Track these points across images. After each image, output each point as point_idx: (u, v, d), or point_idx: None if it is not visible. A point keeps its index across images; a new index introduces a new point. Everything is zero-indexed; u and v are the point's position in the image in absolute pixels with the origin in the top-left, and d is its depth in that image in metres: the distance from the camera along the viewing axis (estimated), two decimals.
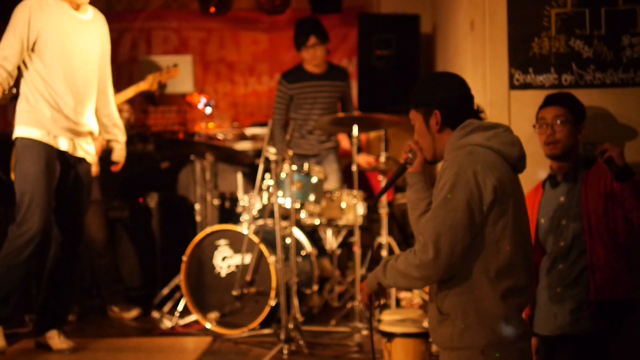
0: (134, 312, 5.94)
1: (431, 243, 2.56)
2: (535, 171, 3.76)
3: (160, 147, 7.07)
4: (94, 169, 5.85)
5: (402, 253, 2.69)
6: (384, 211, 5.77)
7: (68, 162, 4.70)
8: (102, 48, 4.89)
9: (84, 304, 6.15)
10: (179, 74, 5.92)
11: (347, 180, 6.23)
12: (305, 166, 5.59)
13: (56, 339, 4.81)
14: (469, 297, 2.63)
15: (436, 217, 2.59)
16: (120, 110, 5.89)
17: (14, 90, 5.92)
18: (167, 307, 5.90)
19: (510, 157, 2.71)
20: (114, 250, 6.35)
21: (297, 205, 5.53)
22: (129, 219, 6.57)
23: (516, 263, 2.65)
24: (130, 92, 5.71)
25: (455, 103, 2.79)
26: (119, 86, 6.13)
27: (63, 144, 4.63)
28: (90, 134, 4.82)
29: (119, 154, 5.15)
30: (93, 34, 4.81)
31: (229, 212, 6.36)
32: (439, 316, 2.70)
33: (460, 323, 2.64)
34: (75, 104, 4.65)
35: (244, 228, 5.40)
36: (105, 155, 5.94)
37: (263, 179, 5.49)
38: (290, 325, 4.92)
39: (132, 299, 6.17)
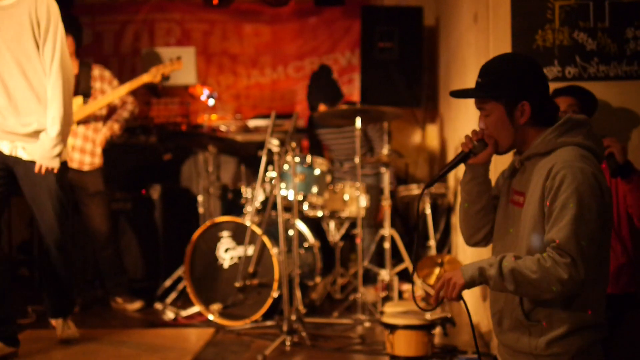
0: (137, 304, 5.96)
1: (581, 260, 2.40)
2: None
3: (162, 139, 7.07)
4: (97, 161, 5.86)
5: (525, 259, 2.48)
6: (386, 203, 5.78)
7: (15, 165, 4.55)
8: (38, 29, 4.36)
9: (87, 296, 6.16)
10: (182, 66, 5.91)
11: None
12: (308, 158, 5.60)
13: (60, 328, 4.83)
14: (567, 305, 2.53)
15: (577, 232, 2.41)
16: (124, 102, 5.90)
17: None
18: (169, 299, 5.91)
19: (601, 156, 2.61)
20: (117, 241, 6.37)
21: (300, 197, 5.54)
22: (131, 210, 6.58)
23: (607, 267, 2.59)
24: (133, 84, 5.71)
25: (544, 95, 2.64)
26: (122, 78, 6.14)
27: (5, 148, 4.52)
28: (37, 133, 4.46)
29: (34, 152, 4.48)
30: (16, 19, 4.35)
31: (231, 204, 6.37)
32: (525, 322, 2.57)
33: (553, 331, 2.53)
34: (6, 104, 4.42)
35: (247, 220, 5.40)
36: (108, 147, 5.96)
37: (266, 170, 5.50)
38: (293, 317, 4.93)
39: (134, 290, 6.19)
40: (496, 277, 2.49)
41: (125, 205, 6.58)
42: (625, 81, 4.15)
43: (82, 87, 5.81)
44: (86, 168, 5.82)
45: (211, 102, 7.06)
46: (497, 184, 2.82)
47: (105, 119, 5.94)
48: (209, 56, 8.20)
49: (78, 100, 5.75)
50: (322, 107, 6.24)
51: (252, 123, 7.29)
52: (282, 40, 8.21)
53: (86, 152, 5.81)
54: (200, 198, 6.31)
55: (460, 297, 2.57)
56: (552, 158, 2.53)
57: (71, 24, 5.94)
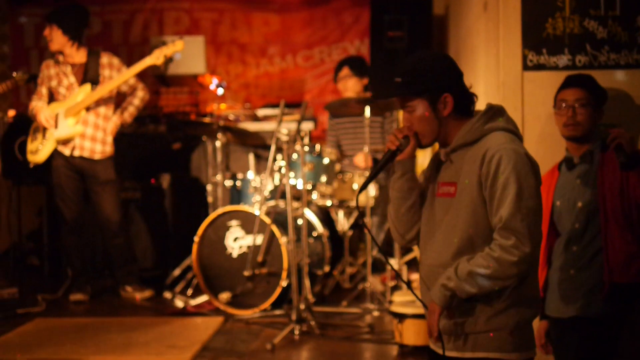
0: (147, 293, 5.97)
1: (527, 236, 2.47)
2: (550, 153, 3.73)
3: (172, 128, 7.07)
4: (109, 149, 5.87)
5: (476, 258, 2.52)
6: None
7: None
8: None
9: (96, 284, 6.18)
10: (183, 45, 5.85)
11: None
12: (317, 147, 5.59)
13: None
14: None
15: (520, 209, 2.48)
16: (133, 89, 5.89)
17: (23, 75, 5.93)
18: (179, 288, 5.92)
19: (521, 139, 2.70)
20: (127, 230, 6.39)
21: (309, 187, 5.53)
22: (141, 199, 6.59)
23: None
24: (137, 67, 5.69)
25: (463, 86, 2.72)
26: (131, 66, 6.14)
27: None
28: None
29: None
30: None
31: (240, 193, 6.37)
32: (464, 304, 2.58)
33: (491, 308, 2.57)
34: None
35: (256, 209, 5.40)
36: (118, 136, 5.96)
37: (275, 160, 5.49)
38: (302, 306, 4.94)
39: (144, 279, 6.21)
40: (457, 287, 2.53)
41: (135, 194, 6.59)
42: (636, 69, 4.12)
43: (90, 75, 5.81)
44: (97, 157, 5.83)
45: (220, 91, 7.05)
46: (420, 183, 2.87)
47: (116, 107, 5.94)
48: (218, 45, 8.19)
49: (86, 87, 5.76)
50: (344, 71, 6.22)
51: (261, 112, 7.28)
52: (291, 30, 8.19)
53: (97, 140, 5.81)
54: (209, 187, 6.32)
55: (439, 337, 2.62)
56: (482, 144, 2.60)
57: (76, 12, 5.92)
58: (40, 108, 5.77)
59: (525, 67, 4.21)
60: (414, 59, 2.77)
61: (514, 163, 2.51)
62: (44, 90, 5.88)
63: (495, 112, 2.68)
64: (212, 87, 7.13)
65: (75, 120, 5.74)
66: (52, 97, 5.91)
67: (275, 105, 6.99)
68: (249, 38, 8.23)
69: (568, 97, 3.54)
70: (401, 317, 4.29)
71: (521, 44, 4.20)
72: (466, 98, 2.72)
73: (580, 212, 3.45)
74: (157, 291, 6.04)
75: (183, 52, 7.14)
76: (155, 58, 5.71)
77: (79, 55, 5.87)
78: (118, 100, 5.97)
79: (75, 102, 5.74)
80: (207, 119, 6.63)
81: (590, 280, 3.42)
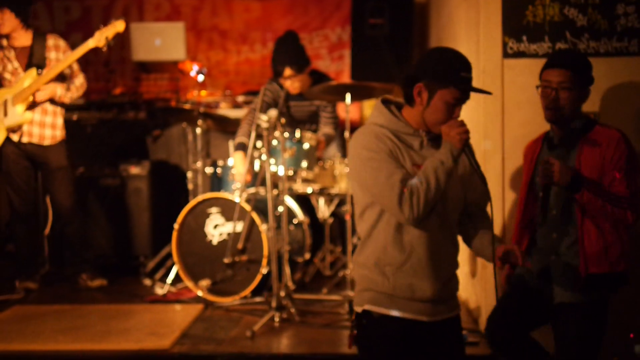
0: (99, 282, 5.86)
1: None
2: (530, 140, 3.73)
3: (152, 115, 7.03)
4: (59, 134, 5.77)
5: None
6: None
7: None
8: None
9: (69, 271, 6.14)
10: (124, 26, 5.69)
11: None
12: (297, 133, 5.56)
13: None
14: None
15: None
16: (75, 75, 5.77)
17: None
18: (158, 275, 5.90)
19: None
20: (106, 218, 6.35)
21: (290, 173, 5.52)
22: (120, 186, 6.55)
23: None
24: (80, 50, 5.53)
25: None
26: (110, 54, 6.07)
27: None
28: None
29: None
30: None
31: (220, 180, 6.35)
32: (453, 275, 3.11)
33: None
34: None
35: (236, 196, 5.39)
36: (98, 123, 5.89)
37: (255, 146, 5.47)
38: (282, 293, 4.93)
39: (123, 266, 6.16)
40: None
41: (115, 181, 6.55)
42: (615, 57, 4.14)
43: (36, 58, 5.67)
44: (47, 142, 5.70)
45: (200, 77, 7.01)
46: None
47: None
48: (199, 32, 8.14)
49: (32, 72, 5.63)
50: (287, 72, 5.82)
51: (242, 99, 7.25)
52: (273, 16, 8.15)
53: (46, 125, 5.69)
54: (189, 174, 6.29)
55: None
56: None
57: None
58: None
59: (506, 55, 4.22)
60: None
61: None
62: None
63: None
64: (193, 73, 7.09)
65: (24, 106, 5.61)
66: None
67: (256, 92, 6.95)
68: (230, 24, 8.18)
69: (551, 78, 3.40)
70: None
71: (501, 31, 4.21)
72: None
73: (557, 198, 3.43)
74: (136, 278, 6.01)
75: (163, 38, 7.10)
76: (96, 41, 5.57)
77: (25, 38, 5.72)
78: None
79: (22, 88, 5.59)
80: (187, 106, 6.60)
81: (569, 268, 3.42)
